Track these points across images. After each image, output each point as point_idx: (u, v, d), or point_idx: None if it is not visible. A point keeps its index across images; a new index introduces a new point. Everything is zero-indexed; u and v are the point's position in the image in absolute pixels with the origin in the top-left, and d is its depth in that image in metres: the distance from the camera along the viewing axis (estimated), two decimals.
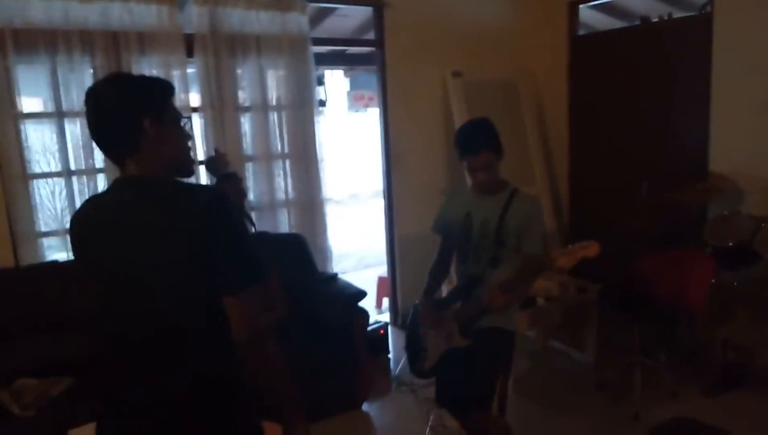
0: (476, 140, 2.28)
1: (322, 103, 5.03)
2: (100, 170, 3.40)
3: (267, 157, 3.88)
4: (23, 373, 2.83)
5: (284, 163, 3.98)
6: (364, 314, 3.34)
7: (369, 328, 3.82)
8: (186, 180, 1.43)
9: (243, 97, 3.79)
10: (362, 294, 3.36)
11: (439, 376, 2.50)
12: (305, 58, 3.88)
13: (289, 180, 3.99)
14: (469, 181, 2.51)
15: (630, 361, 3.28)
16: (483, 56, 4.56)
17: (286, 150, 3.96)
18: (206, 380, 1.33)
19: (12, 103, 3.14)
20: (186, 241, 1.26)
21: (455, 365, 2.38)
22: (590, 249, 2.09)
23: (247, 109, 3.81)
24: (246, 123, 3.82)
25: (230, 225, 1.30)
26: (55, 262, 3.26)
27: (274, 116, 3.89)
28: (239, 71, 3.75)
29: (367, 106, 15.85)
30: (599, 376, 3.45)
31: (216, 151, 3.52)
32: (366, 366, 3.36)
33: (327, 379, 3.21)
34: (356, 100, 16.49)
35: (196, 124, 3.68)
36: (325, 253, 4.10)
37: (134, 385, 1.36)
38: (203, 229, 1.25)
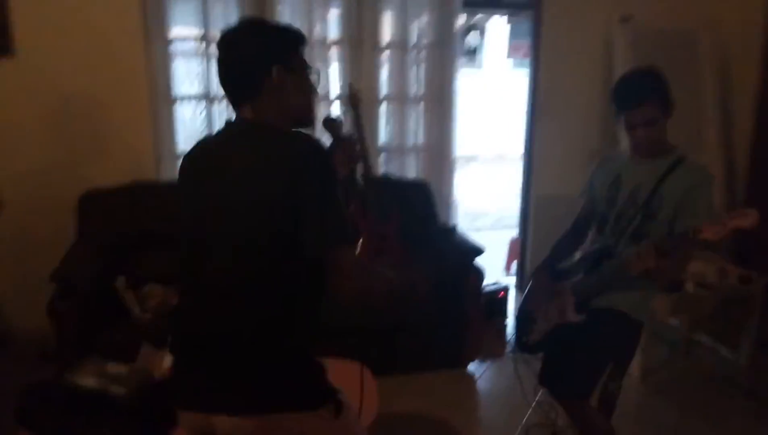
0: (639, 90, 1.91)
1: (472, 51, 4.71)
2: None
3: (401, 99, 3.73)
4: (153, 279, 3.04)
5: (418, 108, 3.81)
6: (478, 273, 3.11)
7: (488, 289, 3.63)
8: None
9: (384, 35, 3.64)
10: (478, 251, 3.13)
11: (544, 352, 2.24)
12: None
13: (421, 125, 3.81)
14: (626, 144, 2.15)
15: None
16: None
17: (422, 93, 3.78)
18: (272, 322, 1.32)
19: (162, 29, 3.28)
20: (277, 188, 1.26)
21: (562, 343, 2.10)
22: (746, 218, 1.67)
23: (386, 48, 3.66)
24: (384, 63, 3.68)
25: (321, 183, 1.28)
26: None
27: (412, 57, 3.70)
28: (382, 7, 3.59)
29: (526, 56, 14.77)
30: (751, 381, 2.92)
31: (350, 86, 3.44)
32: (477, 326, 3.15)
33: (433, 333, 3.07)
34: (514, 50, 15.21)
35: (334, 61, 3.62)
36: (449, 204, 3.90)
37: (203, 316, 1.36)
38: (296, 181, 1.25)
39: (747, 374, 2.99)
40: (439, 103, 3.79)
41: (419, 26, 3.67)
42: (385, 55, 3.67)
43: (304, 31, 3.29)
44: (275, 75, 1.34)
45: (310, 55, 3.47)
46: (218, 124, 3.43)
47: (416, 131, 3.84)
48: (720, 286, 3.15)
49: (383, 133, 3.78)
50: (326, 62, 3.59)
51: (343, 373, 2.27)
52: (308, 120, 1.46)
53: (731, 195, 4.15)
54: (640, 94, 1.90)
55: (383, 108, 3.74)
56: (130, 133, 3.36)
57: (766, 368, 2.96)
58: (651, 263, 1.81)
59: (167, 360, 2.25)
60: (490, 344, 3.38)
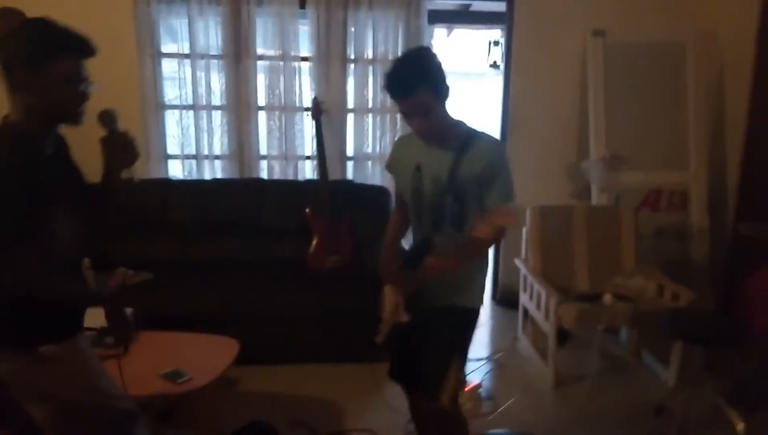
0: (407, 80, 1.82)
1: (496, 66, 4.82)
2: (217, 107, 3.91)
3: (364, 110, 3.98)
4: (125, 264, 3.51)
5: (380, 118, 4.03)
6: None
7: None
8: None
9: (350, 50, 3.91)
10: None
11: (391, 350, 2.25)
12: (417, 13, 3.83)
13: (379, 133, 4.04)
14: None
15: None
16: (635, 12, 3.88)
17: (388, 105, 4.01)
18: None
19: (152, 43, 3.78)
20: None
21: (404, 341, 2.14)
22: (507, 217, 1.76)
23: (353, 62, 3.93)
24: (351, 76, 3.95)
25: None
26: (168, 180, 3.90)
27: (378, 71, 3.94)
28: (350, 24, 3.87)
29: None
30: (665, 399, 2.83)
31: (314, 99, 3.76)
32: None
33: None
34: None
35: (306, 74, 3.94)
36: None
37: None
38: None
39: (674, 398, 2.85)
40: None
41: (385, 39, 3.89)
42: (352, 69, 3.94)
43: (278, 47, 3.76)
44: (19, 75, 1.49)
45: (283, 68, 3.85)
46: (208, 130, 3.91)
47: (376, 140, 4.07)
48: (645, 299, 3.09)
49: (351, 142, 4.04)
50: (298, 75, 3.93)
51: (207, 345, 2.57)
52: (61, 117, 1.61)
53: (719, 215, 3.95)
54: (407, 84, 1.83)
55: (350, 118, 4.00)
56: None
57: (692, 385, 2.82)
58: (444, 269, 1.92)
59: None
60: None
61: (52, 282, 1.57)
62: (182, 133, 3.99)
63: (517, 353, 3.57)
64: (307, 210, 3.66)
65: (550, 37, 3.96)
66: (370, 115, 4.01)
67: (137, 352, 2.47)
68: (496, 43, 4.46)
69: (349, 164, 4.11)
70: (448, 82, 1.91)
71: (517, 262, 3.66)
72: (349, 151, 4.08)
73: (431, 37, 4.02)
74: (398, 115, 4.02)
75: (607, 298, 3.01)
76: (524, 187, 4.04)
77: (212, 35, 3.84)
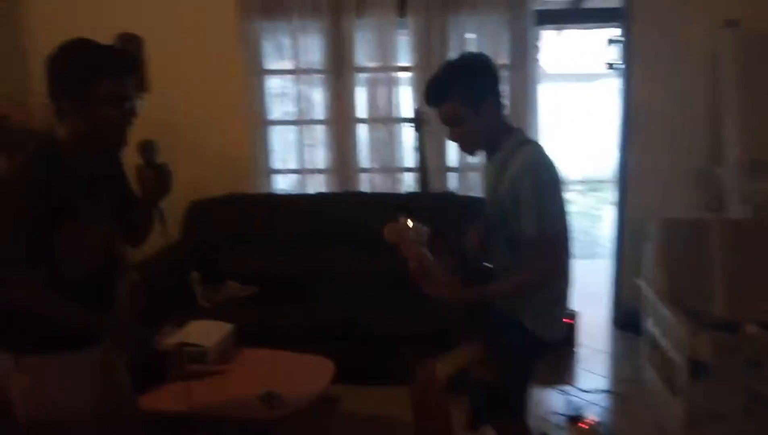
0: (436, 88, 1.77)
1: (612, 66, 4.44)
2: (320, 122, 3.90)
3: None
4: (234, 277, 3.58)
5: None
6: None
7: None
8: None
9: (452, 57, 3.75)
10: None
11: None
12: (523, 14, 3.60)
13: None
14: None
15: None
16: None
17: None
18: None
19: (257, 61, 3.84)
20: None
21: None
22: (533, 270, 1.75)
23: None
24: None
25: None
26: (274, 194, 3.94)
27: None
28: (451, 30, 3.72)
29: None
30: None
31: (416, 109, 3.64)
32: None
33: None
34: None
35: (407, 85, 3.84)
36: None
37: None
38: None
39: None
40: (516, 123, 3.74)
41: (489, 44, 3.69)
42: None
43: (378, 58, 3.69)
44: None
45: (383, 80, 3.77)
46: (311, 145, 3.93)
47: None
48: None
49: (453, 152, 3.87)
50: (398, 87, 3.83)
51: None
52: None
53: None
54: (433, 94, 1.77)
55: None
56: (229, 151, 3.98)
57: None
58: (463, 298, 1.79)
59: None
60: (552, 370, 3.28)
61: (46, 303, 1.55)
62: (286, 148, 4.03)
63: (642, 385, 3.20)
64: (402, 216, 3.53)
65: (674, 31, 3.57)
66: None
67: (236, 371, 2.47)
68: (613, 42, 4.11)
69: (453, 175, 3.94)
70: (499, 88, 1.79)
71: (639, 281, 3.30)
72: (452, 161, 3.91)
73: (538, 39, 3.76)
74: None
75: (751, 327, 2.60)
76: (648, 198, 3.76)
77: (314, 50, 3.84)
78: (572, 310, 3.59)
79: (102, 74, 1.50)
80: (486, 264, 1.99)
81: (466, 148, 1.91)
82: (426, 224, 1.85)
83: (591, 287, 4.50)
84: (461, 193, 3.86)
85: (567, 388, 3.16)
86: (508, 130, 1.81)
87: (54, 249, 1.53)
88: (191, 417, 2.12)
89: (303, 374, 2.45)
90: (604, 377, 3.34)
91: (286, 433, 2.25)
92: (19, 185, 1.51)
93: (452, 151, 3.87)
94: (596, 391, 3.14)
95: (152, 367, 2.38)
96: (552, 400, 3.05)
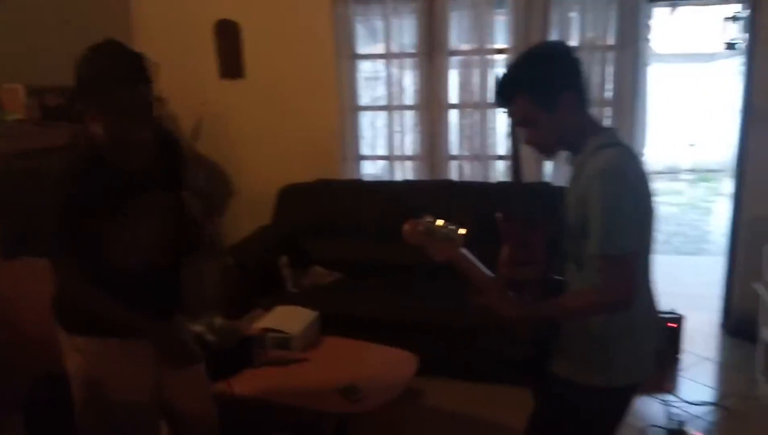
0: (499, 85, 1.55)
1: (731, 46, 4.00)
2: (410, 107, 3.81)
3: None
4: (319, 262, 3.61)
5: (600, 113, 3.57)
6: None
7: None
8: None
9: (553, 37, 3.53)
10: None
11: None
12: None
13: None
14: None
15: None
16: None
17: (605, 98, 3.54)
18: None
19: (349, 45, 3.80)
20: None
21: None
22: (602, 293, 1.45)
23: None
24: None
25: None
26: (361, 181, 3.90)
27: (596, 58, 3.49)
28: (554, 8, 3.49)
29: None
30: None
31: None
32: None
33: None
34: None
35: (502, 68, 3.66)
36: None
37: None
38: None
39: None
40: (623, 108, 3.50)
41: (595, 23, 3.43)
42: None
43: (473, 40, 3.53)
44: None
45: (477, 63, 3.61)
46: (401, 131, 3.86)
47: None
48: None
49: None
50: (493, 70, 3.66)
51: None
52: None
53: None
54: (503, 92, 1.54)
55: None
56: (320, 137, 3.98)
57: None
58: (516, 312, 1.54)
59: None
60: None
61: (87, 298, 1.63)
62: (375, 134, 3.98)
63: (755, 400, 2.90)
64: (498, 215, 3.38)
65: None
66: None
67: (318, 360, 2.46)
68: (734, 19, 3.71)
69: (550, 165, 3.73)
70: (580, 81, 1.52)
71: (757, 287, 2.98)
72: None
73: (650, 17, 3.44)
74: (608, 109, 3.56)
75: None
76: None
77: (406, 33, 3.74)
78: (676, 313, 3.31)
79: (113, 86, 1.50)
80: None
81: (542, 151, 1.62)
82: (463, 225, 1.62)
83: (698, 288, 4.18)
84: (557, 183, 3.65)
85: (668, 398, 2.92)
86: (595, 130, 1.55)
87: (95, 245, 1.59)
88: (270, 405, 2.14)
89: (386, 367, 2.41)
90: (712, 389, 3.05)
91: (364, 426, 2.22)
92: (58, 184, 1.60)
93: None
94: (702, 404, 2.88)
95: (237, 352, 2.43)
96: (651, 411, 2.83)
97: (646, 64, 3.47)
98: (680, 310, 3.30)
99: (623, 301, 1.44)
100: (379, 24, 3.80)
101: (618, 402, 1.59)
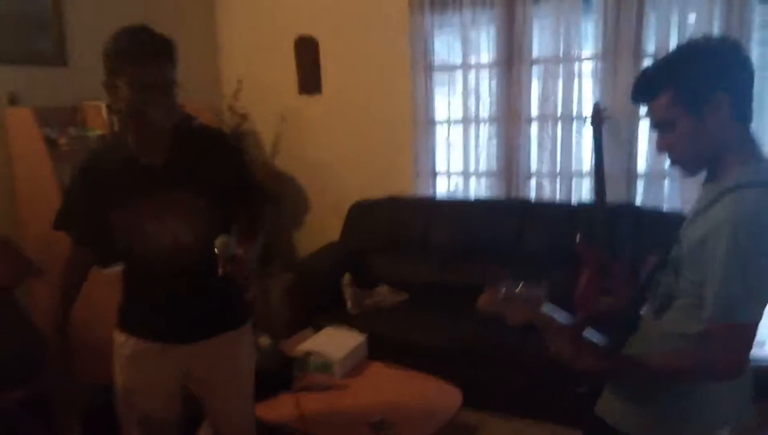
0: (642, 81, 1.29)
1: None
2: (487, 120, 3.60)
3: None
4: (386, 281, 3.49)
5: None
6: None
7: (758, 364, 2.78)
8: None
9: (647, 42, 3.17)
10: None
11: None
12: None
13: None
14: None
15: None
16: None
17: None
18: None
19: (425, 56, 3.66)
20: None
21: None
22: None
23: (652, 56, 3.17)
24: None
25: None
26: (432, 199, 3.74)
27: None
28: (648, 9, 3.14)
29: None
30: None
31: (596, 104, 3.17)
32: None
33: None
34: None
35: (587, 76, 3.35)
36: None
37: None
38: None
39: None
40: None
41: (698, 24, 3.04)
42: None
43: (557, 47, 3.27)
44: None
45: (561, 71, 3.33)
46: (476, 146, 3.67)
47: None
48: None
49: (643, 156, 3.28)
50: (578, 79, 3.36)
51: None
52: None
53: None
54: (644, 86, 1.28)
55: (643, 127, 3.24)
56: (393, 153, 3.87)
57: None
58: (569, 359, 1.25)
59: None
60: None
61: (64, 266, 1.76)
62: (451, 149, 3.79)
63: None
64: (578, 238, 3.07)
65: None
66: None
67: (357, 388, 2.34)
68: None
69: (640, 183, 3.35)
70: (742, 88, 1.22)
71: None
72: (641, 166, 3.32)
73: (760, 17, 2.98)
74: None
75: None
76: None
77: (484, 43, 3.54)
78: None
79: (123, 63, 1.52)
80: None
81: (675, 162, 1.33)
82: (540, 284, 1.37)
83: None
84: (648, 205, 3.27)
85: None
86: (747, 156, 1.25)
87: (104, 231, 1.65)
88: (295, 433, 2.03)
89: (426, 401, 2.23)
90: None
91: None
92: (75, 170, 1.69)
93: (642, 154, 3.29)
94: None
95: (278, 374, 2.36)
96: None
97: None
98: None
99: (731, 375, 1.20)
100: (456, 34, 3.63)
101: None
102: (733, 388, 1.28)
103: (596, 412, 1.38)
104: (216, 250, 1.53)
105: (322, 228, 4.03)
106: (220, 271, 1.52)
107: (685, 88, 1.21)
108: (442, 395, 2.24)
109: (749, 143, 1.26)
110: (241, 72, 4.12)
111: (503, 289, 1.31)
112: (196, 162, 1.65)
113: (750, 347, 1.18)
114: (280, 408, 2.16)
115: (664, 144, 1.29)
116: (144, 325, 1.71)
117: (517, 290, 1.31)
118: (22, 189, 2.98)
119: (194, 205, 1.64)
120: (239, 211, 1.76)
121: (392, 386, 2.35)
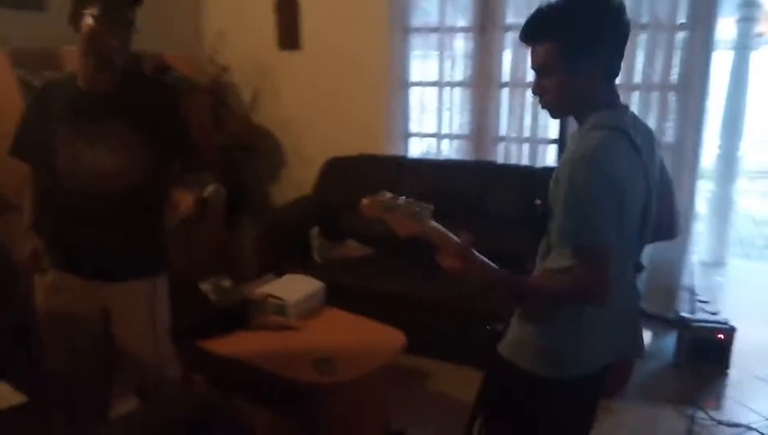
0: (530, 23, 1.36)
1: None
2: (459, 84, 3.68)
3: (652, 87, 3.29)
4: (354, 237, 3.62)
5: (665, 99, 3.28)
6: None
7: (699, 324, 2.98)
8: None
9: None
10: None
11: None
12: None
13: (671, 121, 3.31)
14: None
15: None
16: None
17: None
18: None
19: (402, 17, 3.71)
20: None
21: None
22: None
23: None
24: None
25: None
26: (402, 158, 3.84)
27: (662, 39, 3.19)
28: None
29: None
30: None
31: None
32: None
33: None
34: None
35: None
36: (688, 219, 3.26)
37: None
38: None
39: None
40: (686, 95, 3.18)
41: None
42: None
43: (527, 13, 3.32)
44: None
45: None
46: (450, 109, 3.75)
47: (661, 127, 3.31)
48: None
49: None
50: None
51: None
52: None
53: None
54: (528, 27, 1.36)
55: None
56: (368, 113, 3.95)
57: None
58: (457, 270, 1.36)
59: None
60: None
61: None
62: (424, 111, 3.88)
63: None
64: (537, 201, 3.19)
65: None
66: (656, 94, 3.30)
67: (309, 330, 2.47)
68: None
69: None
70: (617, 47, 1.34)
71: None
72: None
73: None
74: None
75: None
76: None
77: (461, 7, 3.60)
78: (727, 324, 2.98)
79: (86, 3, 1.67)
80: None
81: (547, 106, 1.42)
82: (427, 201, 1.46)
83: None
84: None
85: (698, 414, 2.65)
86: (604, 105, 1.36)
87: (51, 156, 1.77)
88: (244, 368, 2.18)
89: (370, 343, 2.37)
90: (755, 411, 2.72)
91: (342, 402, 2.21)
92: (30, 98, 1.92)
93: None
94: (734, 425, 2.58)
95: (235, 313, 2.51)
96: (675, 428, 2.58)
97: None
98: (731, 321, 2.97)
99: (595, 296, 1.31)
100: None
101: (563, 395, 1.44)
102: (608, 320, 1.41)
103: (498, 349, 1.51)
104: (206, 194, 1.70)
105: (297, 182, 4.13)
106: (192, 216, 1.72)
107: (568, 43, 1.30)
108: (386, 338, 2.38)
109: (610, 96, 1.38)
110: (223, 25, 4.16)
111: (385, 196, 1.41)
112: (137, 99, 1.81)
113: (604, 270, 1.28)
114: (234, 344, 2.30)
115: (538, 87, 1.39)
116: (65, 258, 1.84)
117: (399, 201, 1.40)
118: None
119: (125, 137, 1.78)
120: (173, 163, 1.90)
121: (342, 329, 2.49)
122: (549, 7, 1.33)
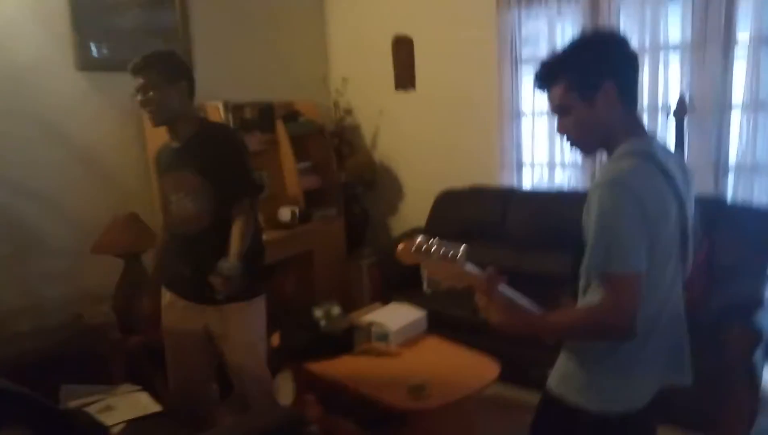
0: (542, 69, 1.41)
1: None
2: None
3: (757, 105, 3.01)
4: None
5: None
6: (749, 332, 2.36)
7: None
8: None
9: (739, 28, 3.03)
10: (752, 303, 2.38)
11: None
12: None
13: None
14: None
15: None
16: None
17: None
18: None
19: (513, 48, 3.75)
20: None
21: None
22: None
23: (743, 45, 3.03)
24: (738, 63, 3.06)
25: None
26: (513, 190, 3.84)
27: None
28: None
29: None
30: None
31: (681, 96, 3.12)
32: (738, 399, 2.40)
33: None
34: None
35: (676, 63, 3.26)
36: None
37: None
38: None
39: None
40: None
41: None
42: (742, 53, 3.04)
43: (642, 36, 3.23)
44: None
45: (647, 60, 3.29)
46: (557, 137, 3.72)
47: None
48: None
49: (733, 147, 3.15)
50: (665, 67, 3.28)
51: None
52: None
53: None
54: (543, 74, 1.41)
55: (734, 117, 3.10)
56: (480, 144, 4.02)
57: None
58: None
59: None
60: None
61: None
62: (536, 141, 3.86)
63: None
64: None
65: None
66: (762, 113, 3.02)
67: (408, 357, 2.58)
68: None
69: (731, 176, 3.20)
70: (627, 75, 1.38)
71: None
72: (732, 158, 3.18)
73: None
74: None
75: None
76: None
77: (570, 35, 3.57)
78: None
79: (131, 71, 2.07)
80: None
81: (575, 144, 1.46)
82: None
83: None
84: (738, 198, 3.13)
85: None
86: (630, 134, 1.38)
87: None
88: (345, 390, 2.33)
89: (464, 371, 2.42)
90: None
91: (433, 427, 2.27)
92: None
93: (733, 146, 3.16)
94: None
95: (342, 339, 2.68)
96: None
97: None
98: None
99: (618, 327, 1.28)
100: (543, 27, 3.69)
101: (614, 431, 1.39)
102: (653, 351, 1.37)
103: (547, 385, 1.49)
104: (225, 272, 1.99)
105: (415, 214, 4.29)
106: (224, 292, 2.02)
107: (577, 78, 1.35)
108: (481, 367, 2.41)
109: (634, 124, 1.39)
110: (346, 71, 4.50)
111: (418, 240, 1.45)
112: (203, 149, 2.08)
113: (634, 299, 1.25)
114: (337, 367, 2.47)
115: (562, 127, 1.43)
116: (173, 283, 2.21)
117: (432, 243, 1.44)
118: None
119: (197, 183, 2.06)
120: (236, 201, 2.11)
121: (439, 356, 2.56)
122: (553, 53, 1.42)
